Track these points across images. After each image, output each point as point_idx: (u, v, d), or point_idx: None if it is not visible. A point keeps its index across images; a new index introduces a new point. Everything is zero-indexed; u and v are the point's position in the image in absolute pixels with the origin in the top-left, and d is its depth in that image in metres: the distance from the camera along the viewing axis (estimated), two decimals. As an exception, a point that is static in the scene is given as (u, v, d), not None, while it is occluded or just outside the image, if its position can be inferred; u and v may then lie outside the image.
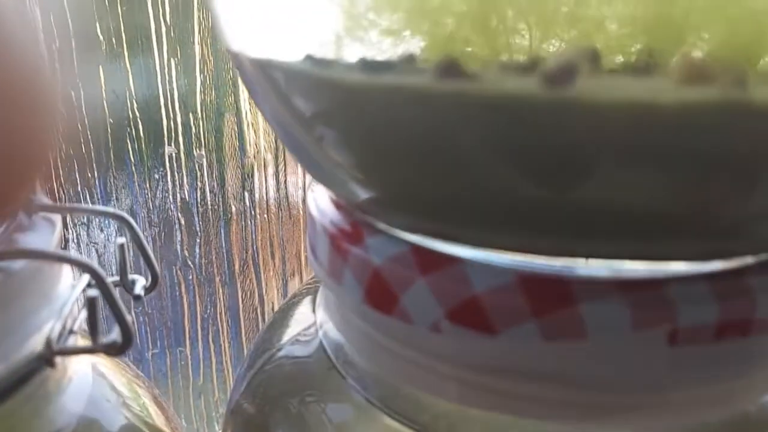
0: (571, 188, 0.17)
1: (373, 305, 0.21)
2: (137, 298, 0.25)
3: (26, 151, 0.16)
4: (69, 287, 0.22)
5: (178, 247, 0.40)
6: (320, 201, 0.26)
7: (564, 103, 0.15)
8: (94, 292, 0.20)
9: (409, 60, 0.18)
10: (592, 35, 0.18)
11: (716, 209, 0.17)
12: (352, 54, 0.18)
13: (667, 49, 0.17)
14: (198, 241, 0.40)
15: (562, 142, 0.16)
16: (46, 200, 0.25)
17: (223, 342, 0.44)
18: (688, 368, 0.18)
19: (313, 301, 0.32)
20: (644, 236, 0.18)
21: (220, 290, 0.43)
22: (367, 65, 0.18)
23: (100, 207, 0.27)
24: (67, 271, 0.22)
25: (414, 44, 0.18)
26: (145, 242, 0.25)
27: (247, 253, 0.43)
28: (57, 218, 0.25)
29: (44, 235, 0.23)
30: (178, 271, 0.41)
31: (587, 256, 0.18)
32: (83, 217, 0.37)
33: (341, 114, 0.19)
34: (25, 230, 0.23)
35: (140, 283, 0.25)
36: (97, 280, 0.21)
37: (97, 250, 0.38)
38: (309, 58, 0.19)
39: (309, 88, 0.19)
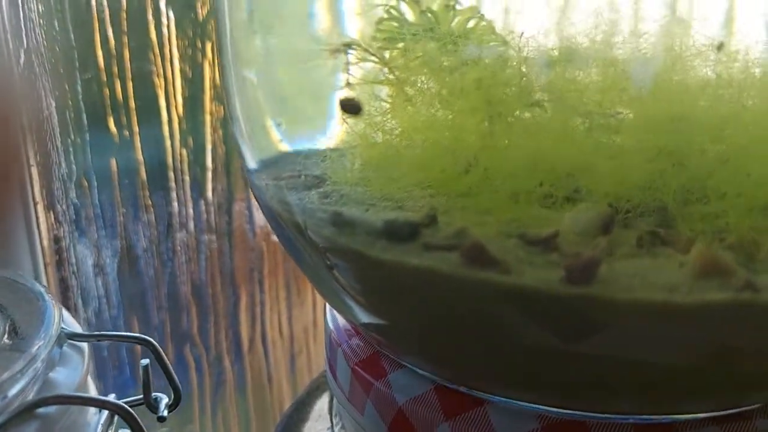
0: (587, 365, 0.18)
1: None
2: (162, 419, 0.25)
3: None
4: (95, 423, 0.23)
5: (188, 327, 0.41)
6: (339, 320, 0.27)
7: (584, 299, 0.16)
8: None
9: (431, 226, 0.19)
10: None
11: (727, 378, 0.18)
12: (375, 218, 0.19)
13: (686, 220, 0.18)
14: (209, 321, 0.41)
15: (582, 331, 0.17)
16: (76, 327, 0.25)
17: (232, 419, 0.45)
18: None
19: (331, 401, 0.32)
20: (656, 399, 0.19)
21: (229, 369, 0.43)
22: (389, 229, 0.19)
23: (126, 333, 0.27)
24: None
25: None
26: (168, 363, 0.26)
27: (255, 331, 0.43)
28: (85, 347, 0.26)
29: (75, 369, 0.24)
30: (188, 351, 0.42)
31: (606, 412, 0.19)
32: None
33: (360, 275, 0.20)
34: (56, 365, 0.23)
35: (164, 401, 0.26)
36: (129, 421, 0.21)
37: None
38: (336, 215, 0.20)
39: (333, 247, 0.20)
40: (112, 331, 0.32)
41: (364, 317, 0.21)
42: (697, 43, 0.18)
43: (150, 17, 0.36)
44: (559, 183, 0.20)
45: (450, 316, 0.18)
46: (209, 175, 0.42)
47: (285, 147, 0.24)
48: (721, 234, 0.19)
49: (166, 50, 0.37)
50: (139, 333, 0.42)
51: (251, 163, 0.25)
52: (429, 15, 0.25)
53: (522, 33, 0.24)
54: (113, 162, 0.38)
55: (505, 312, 0.17)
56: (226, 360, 0.43)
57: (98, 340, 0.25)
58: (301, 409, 0.32)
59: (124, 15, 0.36)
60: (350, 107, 0.21)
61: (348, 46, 0.25)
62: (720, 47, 0.18)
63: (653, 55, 0.20)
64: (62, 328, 0.24)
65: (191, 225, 0.40)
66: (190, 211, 0.40)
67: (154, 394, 0.27)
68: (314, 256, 0.21)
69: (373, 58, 0.25)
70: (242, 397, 0.44)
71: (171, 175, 0.39)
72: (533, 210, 0.20)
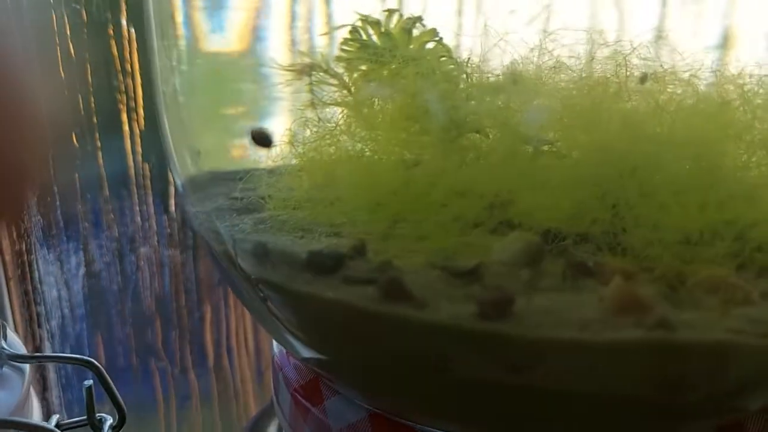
0: (511, 397, 0.18)
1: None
2: (106, 441, 0.25)
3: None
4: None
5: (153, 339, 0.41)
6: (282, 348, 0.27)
7: (497, 336, 0.16)
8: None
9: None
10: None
11: (650, 411, 0.18)
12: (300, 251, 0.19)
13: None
14: (173, 334, 0.41)
15: (499, 366, 0.17)
16: (18, 347, 0.25)
17: None
18: None
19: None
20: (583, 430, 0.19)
21: (195, 382, 0.43)
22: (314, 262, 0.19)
23: (67, 354, 0.27)
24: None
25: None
26: (111, 384, 0.26)
27: (220, 345, 0.43)
28: (26, 368, 0.26)
29: (13, 391, 0.24)
30: (153, 365, 0.42)
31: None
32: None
33: (287, 305, 0.20)
34: (-7, 387, 0.23)
35: (108, 422, 0.26)
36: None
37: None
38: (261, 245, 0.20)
39: (263, 278, 0.20)
40: (65, 350, 0.32)
41: (301, 350, 0.21)
42: (623, 75, 0.18)
43: (111, 32, 0.36)
44: (493, 211, 0.20)
45: (373, 350, 0.18)
46: (172, 189, 0.41)
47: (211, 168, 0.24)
48: (645, 266, 0.19)
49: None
50: (105, 346, 0.42)
51: (180, 186, 0.25)
52: (388, 37, 0.25)
53: (468, 59, 0.24)
54: (76, 176, 0.38)
55: (423, 346, 0.17)
56: (191, 373, 0.43)
57: (39, 362, 0.25)
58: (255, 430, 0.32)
59: (85, 30, 0.36)
60: (261, 139, 0.21)
61: (310, 68, 0.25)
62: (643, 79, 0.18)
63: (585, 86, 0.20)
64: (2, 348, 0.24)
65: (154, 239, 0.40)
66: (154, 225, 0.40)
67: (98, 414, 0.27)
68: (247, 286, 0.21)
69: (332, 80, 0.25)
70: (208, 411, 0.44)
71: (134, 189, 0.39)
72: (466, 238, 0.20)
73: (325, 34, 0.25)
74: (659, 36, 0.20)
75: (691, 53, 0.21)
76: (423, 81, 0.22)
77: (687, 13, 0.21)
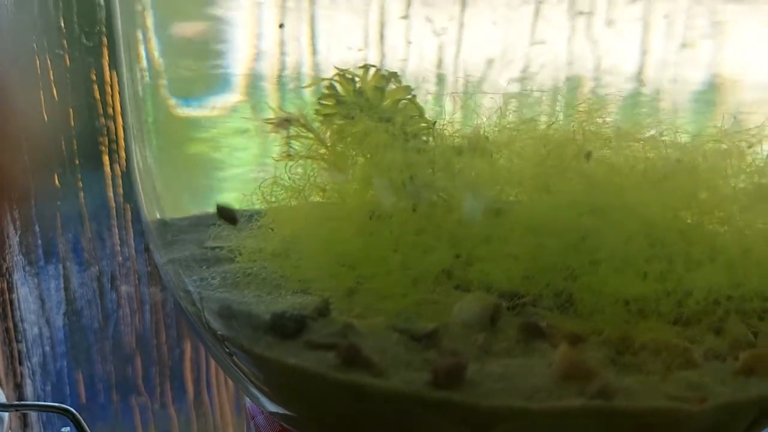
0: None
1: None
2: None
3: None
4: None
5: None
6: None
7: (449, 404, 0.17)
8: None
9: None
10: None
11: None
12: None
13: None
14: (153, 371, 0.42)
15: (455, 429, 0.18)
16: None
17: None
18: None
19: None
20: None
21: (175, 417, 0.44)
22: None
23: (45, 403, 0.28)
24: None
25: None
26: (87, 430, 0.26)
27: (200, 380, 0.44)
28: (5, 416, 0.26)
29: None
30: (134, 401, 0.42)
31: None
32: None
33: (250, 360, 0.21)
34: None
35: (84, 468, 0.26)
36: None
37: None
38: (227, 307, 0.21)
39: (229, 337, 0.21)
40: (46, 386, 0.33)
41: (267, 404, 0.22)
42: (570, 151, 0.19)
43: (93, 77, 0.37)
44: (452, 272, 0.21)
45: (333, 412, 0.19)
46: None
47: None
48: (594, 329, 0.20)
49: (110, 109, 0.38)
50: (85, 382, 0.42)
51: (148, 233, 0.25)
52: (362, 95, 0.25)
53: (435, 122, 0.25)
54: (58, 215, 0.38)
55: (381, 411, 0.18)
56: (171, 409, 0.44)
57: (17, 410, 0.25)
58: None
59: (68, 75, 0.37)
60: (226, 215, 0.22)
61: (288, 121, 0.25)
62: (588, 156, 0.19)
63: (543, 152, 0.21)
64: (-19, 399, 0.25)
65: (135, 277, 0.41)
66: (134, 264, 0.41)
67: (75, 461, 0.27)
68: (214, 341, 0.21)
69: (308, 133, 0.25)
70: (188, 445, 0.45)
71: (115, 229, 0.40)
72: (429, 295, 0.21)
73: (308, 86, 0.25)
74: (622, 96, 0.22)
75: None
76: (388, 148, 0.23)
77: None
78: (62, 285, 0.40)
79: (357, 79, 0.24)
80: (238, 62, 0.24)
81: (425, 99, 0.25)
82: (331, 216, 0.23)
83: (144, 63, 0.24)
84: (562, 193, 0.19)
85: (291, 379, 0.19)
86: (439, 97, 0.25)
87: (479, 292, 0.21)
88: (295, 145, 0.25)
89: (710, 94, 0.23)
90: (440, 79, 0.25)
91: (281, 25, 0.24)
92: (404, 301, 0.20)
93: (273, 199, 0.24)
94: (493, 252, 0.20)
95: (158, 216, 0.24)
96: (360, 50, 0.25)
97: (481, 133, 0.23)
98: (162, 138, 0.24)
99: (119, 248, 0.40)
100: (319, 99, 0.24)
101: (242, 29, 0.24)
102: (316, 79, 0.25)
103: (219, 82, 0.24)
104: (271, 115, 0.25)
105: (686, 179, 0.21)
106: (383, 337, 0.19)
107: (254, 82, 0.25)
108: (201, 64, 0.24)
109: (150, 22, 0.24)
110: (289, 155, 0.25)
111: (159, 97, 0.24)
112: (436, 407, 0.17)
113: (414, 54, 0.24)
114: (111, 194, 0.40)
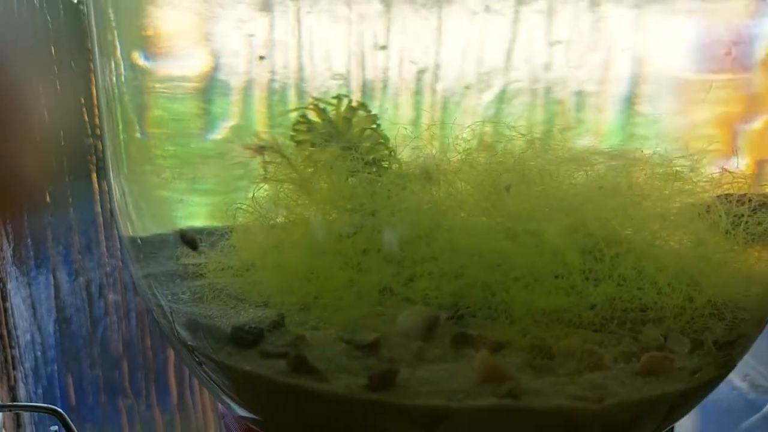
0: None
1: None
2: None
3: None
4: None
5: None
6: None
7: (380, 405, 0.20)
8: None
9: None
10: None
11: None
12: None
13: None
14: (139, 374, 0.44)
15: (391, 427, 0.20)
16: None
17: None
18: None
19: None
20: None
21: (159, 418, 0.46)
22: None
23: (34, 404, 0.30)
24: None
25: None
26: (74, 429, 0.29)
27: (183, 383, 0.46)
28: (-3, 417, 0.29)
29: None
30: (121, 402, 0.45)
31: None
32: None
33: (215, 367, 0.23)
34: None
35: (72, 464, 0.29)
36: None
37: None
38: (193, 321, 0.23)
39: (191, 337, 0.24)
40: (37, 389, 0.35)
41: (236, 409, 0.24)
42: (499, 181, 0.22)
43: (82, 100, 0.40)
44: (394, 288, 0.24)
45: (288, 415, 0.22)
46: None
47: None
48: (516, 338, 0.22)
49: (97, 129, 0.40)
50: (75, 385, 0.45)
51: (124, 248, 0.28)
52: (331, 123, 0.28)
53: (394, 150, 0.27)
54: (48, 229, 0.41)
55: (328, 414, 0.21)
56: (156, 410, 0.46)
57: (9, 410, 0.28)
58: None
59: (58, 99, 0.39)
60: (187, 240, 0.24)
61: (263, 148, 0.28)
62: (508, 188, 0.22)
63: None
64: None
65: (121, 287, 0.43)
66: (121, 274, 0.43)
67: (62, 457, 0.30)
68: (185, 351, 0.24)
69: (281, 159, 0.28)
70: (173, 446, 0.47)
71: (103, 242, 0.42)
72: (376, 310, 0.24)
73: (285, 113, 0.28)
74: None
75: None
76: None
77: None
78: (53, 294, 0.42)
79: (329, 108, 0.27)
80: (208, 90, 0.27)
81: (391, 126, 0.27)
82: (289, 237, 0.26)
83: (114, 88, 0.26)
84: (483, 220, 0.22)
85: (249, 384, 0.21)
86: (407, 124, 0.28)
87: (420, 305, 0.23)
88: (270, 168, 0.28)
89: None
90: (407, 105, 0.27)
91: (262, 57, 0.27)
92: (352, 314, 0.23)
93: (238, 221, 0.26)
94: (427, 270, 0.23)
95: (131, 233, 0.26)
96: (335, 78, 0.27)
97: (433, 161, 0.26)
98: (132, 158, 0.26)
99: (107, 259, 0.43)
100: (294, 126, 0.27)
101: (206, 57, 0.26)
102: (293, 108, 0.27)
103: (185, 104, 0.26)
104: (248, 140, 0.27)
105: (603, 204, 0.23)
106: (330, 347, 0.22)
107: (222, 107, 0.28)
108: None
109: (118, 51, 0.26)
110: (265, 178, 0.28)
111: (128, 120, 0.26)
112: (371, 408, 0.20)
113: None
114: (99, 209, 0.42)
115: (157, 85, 0.26)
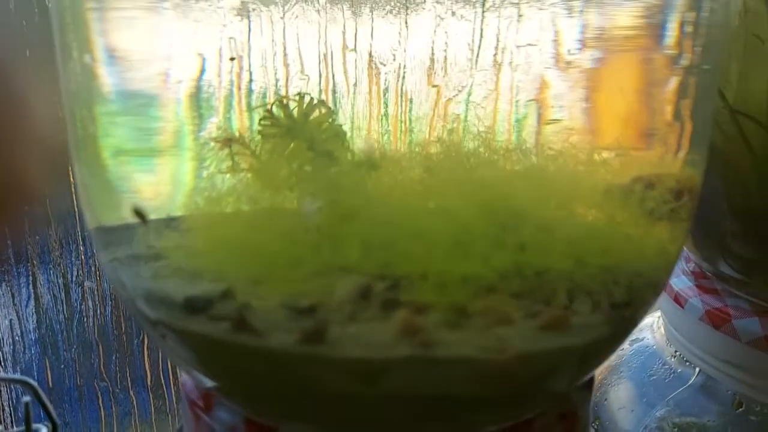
0: (349, 405, 0.24)
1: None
2: (41, 449, 0.31)
3: None
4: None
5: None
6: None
7: (311, 357, 0.22)
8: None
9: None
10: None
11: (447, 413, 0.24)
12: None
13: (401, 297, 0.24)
14: (114, 358, 0.47)
15: (327, 380, 0.23)
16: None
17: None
18: None
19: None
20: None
21: (134, 400, 0.49)
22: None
23: (7, 376, 0.33)
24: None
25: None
26: (46, 400, 0.31)
27: (157, 366, 0.49)
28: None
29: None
30: (96, 385, 0.47)
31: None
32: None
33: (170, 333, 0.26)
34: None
35: (43, 431, 0.32)
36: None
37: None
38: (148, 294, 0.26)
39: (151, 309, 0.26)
40: (16, 372, 0.38)
41: (205, 381, 0.27)
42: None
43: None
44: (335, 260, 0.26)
45: (235, 372, 0.24)
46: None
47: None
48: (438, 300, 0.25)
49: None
50: (52, 369, 0.47)
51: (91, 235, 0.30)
52: (291, 119, 0.31)
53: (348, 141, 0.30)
54: (25, 219, 0.44)
55: (266, 369, 0.23)
56: (131, 392, 0.49)
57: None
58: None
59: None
60: (139, 215, 0.27)
61: (230, 140, 0.31)
62: (429, 172, 0.25)
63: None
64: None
65: (97, 274, 0.46)
66: (97, 262, 0.46)
67: (34, 426, 0.32)
68: (148, 326, 0.27)
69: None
70: (147, 426, 0.50)
71: (79, 232, 0.45)
72: (319, 281, 0.27)
73: (251, 110, 0.31)
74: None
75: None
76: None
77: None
78: (31, 281, 0.45)
79: (292, 104, 0.30)
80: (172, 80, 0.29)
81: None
82: (245, 221, 0.28)
83: (73, 86, 0.29)
84: (407, 198, 0.25)
85: (201, 347, 0.24)
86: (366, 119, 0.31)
87: (356, 275, 0.26)
88: (236, 159, 0.30)
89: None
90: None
91: (232, 59, 0.30)
92: (294, 286, 0.26)
93: (199, 207, 0.29)
94: (361, 242, 0.25)
95: (96, 222, 0.29)
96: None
97: (377, 151, 0.29)
98: (89, 152, 0.29)
99: (83, 248, 0.45)
100: (260, 121, 0.30)
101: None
102: (260, 104, 0.30)
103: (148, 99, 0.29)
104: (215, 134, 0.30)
105: (515, 184, 0.26)
106: (272, 312, 0.24)
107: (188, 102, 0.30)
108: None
109: (74, 51, 0.29)
110: (233, 168, 0.31)
111: (83, 116, 0.29)
112: (303, 360, 0.23)
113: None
114: (75, 201, 0.45)
115: (113, 84, 0.28)
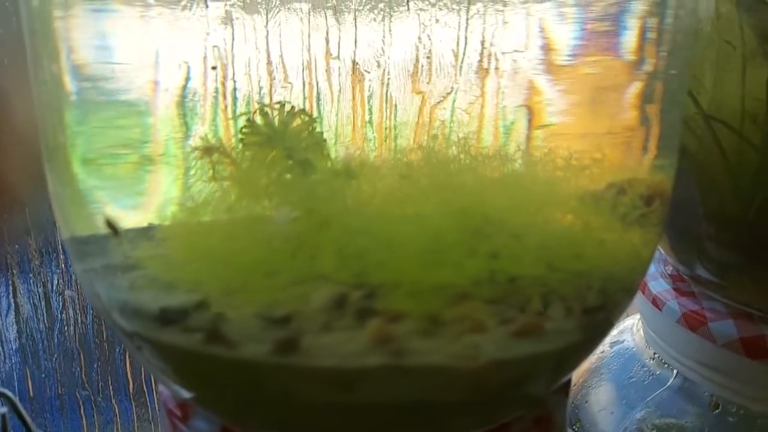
0: (322, 415, 0.24)
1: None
2: (17, 459, 0.31)
3: None
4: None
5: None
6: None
7: (284, 367, 0.22)
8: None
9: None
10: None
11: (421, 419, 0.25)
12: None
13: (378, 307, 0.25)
14: (95, 367, 0.47)
15: (297, 390, 0.23)
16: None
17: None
18: None
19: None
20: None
21: (116, 408, 0.49)
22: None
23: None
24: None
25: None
26: (24, 412, 0.31)
27: (139, 375, 0.49)
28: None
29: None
30: (78, 394, 0.47)
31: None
32: None
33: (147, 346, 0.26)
34: None
35: (21, 444, 0.31)
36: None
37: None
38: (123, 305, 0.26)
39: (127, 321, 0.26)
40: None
41: (182, 393, 0.27)
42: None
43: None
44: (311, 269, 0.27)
45: (210, 383, 0.24)
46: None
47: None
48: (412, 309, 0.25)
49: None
50: (33, 378, 0.47)
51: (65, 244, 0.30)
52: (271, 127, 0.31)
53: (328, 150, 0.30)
54: (4, 228, 0.43)
55: (239, 379, 0.23)
56: (113, 401, 0.49)
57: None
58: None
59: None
60: (110, 226, 0.27)
61: (210, 149, 0.31)
62: (405, 179, 0.25)
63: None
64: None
65: (77, 283, 0.46)
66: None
67: (12, 438, 0.32)
68: (124, 338, 0.27)
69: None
70: (130, 434, 0.50)
71: (59, 241, 0.45)
72: (294, 290, 0.27)
73: (232, 118, 0.31)
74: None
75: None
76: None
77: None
78: (11, 291, 0.44)
79: (273, 113, 0.30)
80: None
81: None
82: (222, 230, 0.28)
83: (43, 95, 0.28)
84: (384, 206, 0.25)
85: (176, 358, 0.24)
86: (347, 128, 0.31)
87: (331, 284, 0.26)
88: (218, 168, 0.30)
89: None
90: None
91: (213, 67, 0.30)
92: (270, 295, 0.26)
93: (175, 216, 0.29)
94: (336, 251, 0.26)
95: (69, 232, 0.29)
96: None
97: (355, 160, 0.29)
98: (60, 163, 0.29)
99: (62, 257, 0.45)
100: (241, 129, 0.30)
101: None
102: (242, 113, 0.30)
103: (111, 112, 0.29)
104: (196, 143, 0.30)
105: (488, 192, 0.27)
106: (246, 322, 0.24)
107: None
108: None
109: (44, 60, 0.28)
110: (214, 177, 0.31)
111: (54, 124, 0.29)
112: (276, 371, 0.23)
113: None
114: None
115: (81, 93, 0.28)
